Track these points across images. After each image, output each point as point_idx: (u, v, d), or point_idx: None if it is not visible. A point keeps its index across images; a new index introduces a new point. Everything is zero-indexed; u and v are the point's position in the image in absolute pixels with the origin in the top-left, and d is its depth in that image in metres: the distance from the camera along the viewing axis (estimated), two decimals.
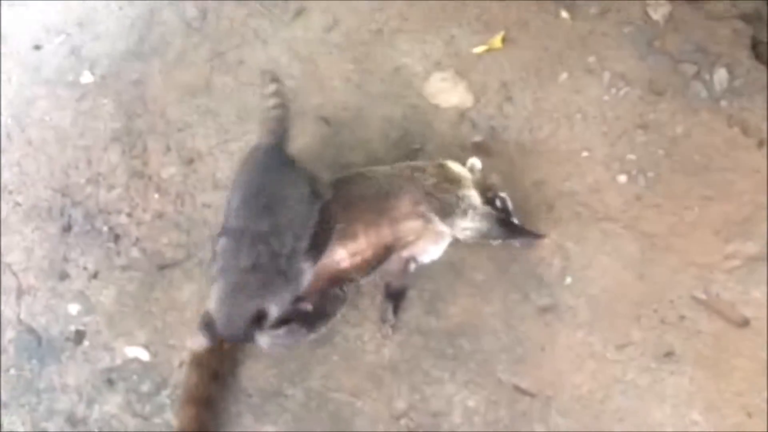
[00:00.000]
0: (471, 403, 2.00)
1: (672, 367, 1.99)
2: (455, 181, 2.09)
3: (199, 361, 1.99)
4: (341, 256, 1.97)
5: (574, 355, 2.03)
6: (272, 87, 2.04)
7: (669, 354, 2.00)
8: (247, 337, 1.81)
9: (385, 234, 2.00)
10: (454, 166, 2.14)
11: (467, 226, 2.05)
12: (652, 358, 2.00)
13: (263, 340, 1.83)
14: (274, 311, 1.79)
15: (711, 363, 1.98)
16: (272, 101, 2.02)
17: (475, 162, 2.16)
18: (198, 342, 1.83)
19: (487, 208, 2.07)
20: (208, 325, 1.80)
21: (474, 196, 2.08)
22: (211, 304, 1.79)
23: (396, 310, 2.09)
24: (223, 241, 1.83)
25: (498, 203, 2.10)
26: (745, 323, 2.01)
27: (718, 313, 2.03)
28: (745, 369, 1.96)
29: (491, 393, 2.01)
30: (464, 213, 2.04)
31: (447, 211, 2.03)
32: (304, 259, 1.85)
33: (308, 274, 1.87)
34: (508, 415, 1.98)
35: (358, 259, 1.99)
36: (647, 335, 2.03)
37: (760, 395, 1.93)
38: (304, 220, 1.87)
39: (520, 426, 1.96)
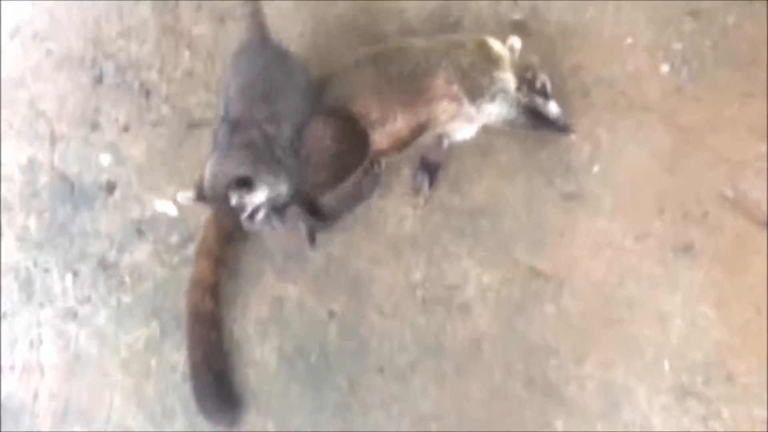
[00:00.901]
0: (486, 279, 2.06)
1: (688, 261, 2.00)
2: (493, 61, 2.03)
3: (217, 221, 2.05)
4: (380, 136, 1.98)
5: (593, 242, 2.05)
6: None
7: (687, 248, 2.01)
8: (226, 200, 1.79)
9: (420, 113, 2.00)
10: (495, 45, 2.07)
11: (493, 110, 2.03)
12: (670, 250, 2.01)
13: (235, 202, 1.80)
14: (261, 187, 1.80)
15: (728, 260, 1.99)
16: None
17: (515, 41, 2.08)
18: (185, 197, 1.87)
19: (518, 96, 2.03)
20: (198, 185, 1.85)
21: (508, 80, 2.03)
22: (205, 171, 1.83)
23: (432, 183, 2.11)
24: (222, 128, 1.85)
25: (537, 84, 2.04)
26: None
27: (743, 211, 2.02)
28: (761, 267, 1.96)
29: (507, 272, 2.05)
30: (493, 97, 2.01)
31: (476, 93, 2.00)
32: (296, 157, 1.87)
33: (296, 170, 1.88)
34: (520, 293, 2.04)
35: (394, 138, 2.01)
36: (668, 228, 2.03)
37: None
38: (302, 111, 1.88)
39: (531, 304, 2.03)
